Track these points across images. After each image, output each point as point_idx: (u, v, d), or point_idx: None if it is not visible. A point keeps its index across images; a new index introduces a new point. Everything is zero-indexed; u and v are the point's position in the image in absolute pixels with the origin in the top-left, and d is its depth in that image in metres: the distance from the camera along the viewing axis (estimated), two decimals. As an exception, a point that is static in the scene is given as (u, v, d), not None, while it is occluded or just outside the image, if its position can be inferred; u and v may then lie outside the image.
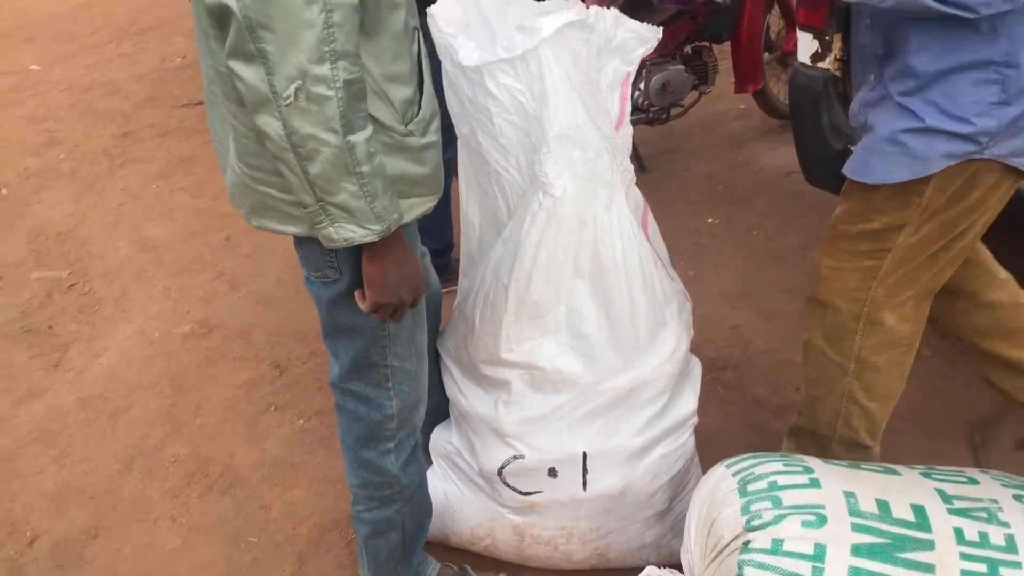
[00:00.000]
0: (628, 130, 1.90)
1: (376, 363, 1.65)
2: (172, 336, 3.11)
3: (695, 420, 2.01)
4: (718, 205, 3.53)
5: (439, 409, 2.11)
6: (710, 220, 3.43)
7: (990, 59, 1.58)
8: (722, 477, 1.69)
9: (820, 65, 2.49)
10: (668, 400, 1.94)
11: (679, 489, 2.00)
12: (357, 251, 1.46)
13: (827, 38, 2.46)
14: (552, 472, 1.88)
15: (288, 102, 1.23)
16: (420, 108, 1.47)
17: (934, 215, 1.74)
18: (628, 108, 1.88)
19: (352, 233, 1.36)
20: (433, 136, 1.50)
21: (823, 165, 2.56)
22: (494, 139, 1.78)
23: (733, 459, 1.74)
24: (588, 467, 1.88)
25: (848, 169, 1.79)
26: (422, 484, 1.88)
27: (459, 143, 1.90)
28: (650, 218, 1.98)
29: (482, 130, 1.78)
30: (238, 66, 1.24)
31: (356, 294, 1.51)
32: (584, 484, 1.89)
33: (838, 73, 2.53)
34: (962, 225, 1.77)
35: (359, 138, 1.30)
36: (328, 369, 1.77)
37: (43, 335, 3.18)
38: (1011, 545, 1.49)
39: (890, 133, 1.69)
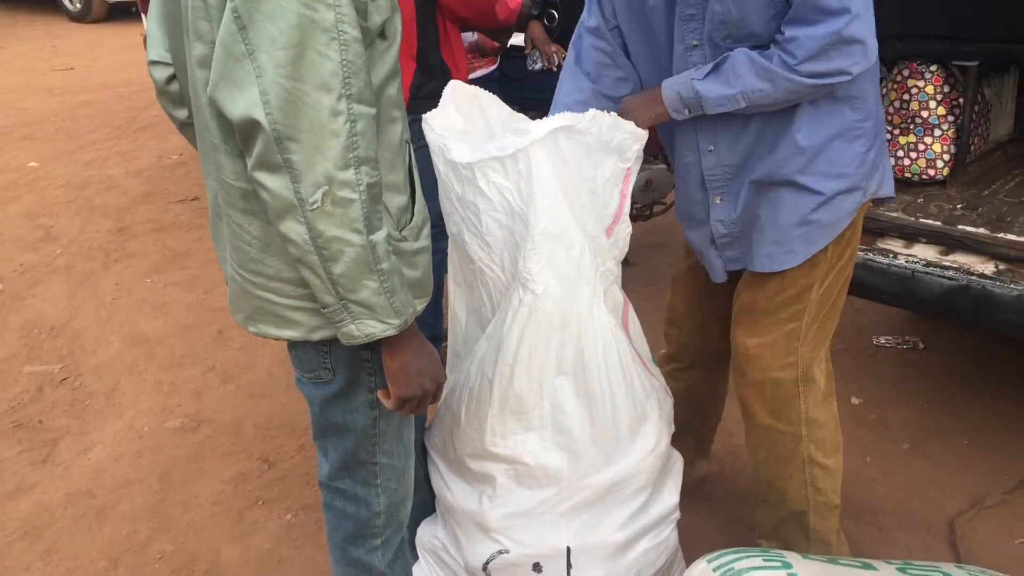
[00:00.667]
0: (627, 228, 1.95)
1: (365, 461, 1.68)
2: (162, 430, 3.14)
3: (678, 515, 2.05)
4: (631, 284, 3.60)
5: (425, 504, 2.13)
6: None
7: (855, 119, 1.84)
8: (703, 572, 1.72)
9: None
10: (650, 495, 1.98)
11: (662, 584, 2.03)
12: (352, 352, 1.52)
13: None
14: (537, 567, 1.91)
15: (315, 207, 1.30)
16: (413, 215, 1.55)
17: (834, 265, 1.96)
18: (627, 205, 1.95)
19: (373, 328, 1.41)
20: (424, 241, 1.58)
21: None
22: (480, 237, 1.86)
23: (714, 554, 1.77)
24: (572, 562, 1.90)
25: (766, 266, 1.95)
26: (408, 581, 1.90)
27: (449, 241, 1.98)
28: (631, 315, 2.04)
29: (469, 228, 1.86)
30: (263, 176, 1.30)
31: (379, 393, 1.56)
32: (568, 579, 1.91)
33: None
34: (849, 266, 1.99)
35: (379, 237, 1.37)
36: (316, 463, 1.81)
37: (33, 429, 3.20)
38: (986, 639, 1.52)
39: (799, 218, 1.88)
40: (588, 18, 2.00)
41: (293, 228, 1.32)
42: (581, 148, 1.83)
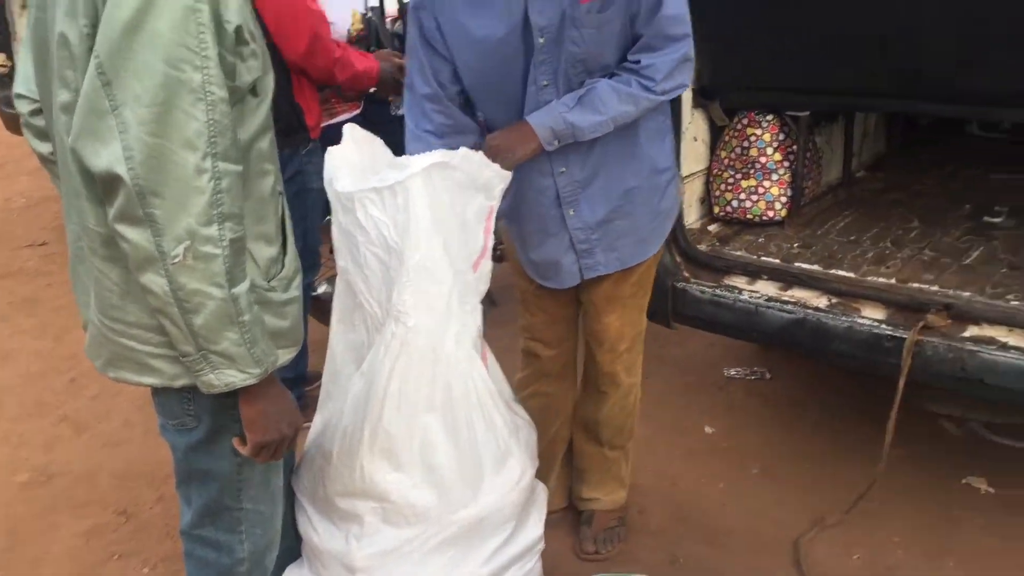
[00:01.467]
0: (489, 264, 2.02)
1: (230, 507, 1.67)
2: (9, 485, 2.99)
3: (542, 545, 2.11)
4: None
5: (292, 551, 2.12)
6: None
7: (663, 119, 2.18)
8: (566, 599, 1.78)
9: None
10: (515, 527, 2.03)
11: (529, 614, 2.08)
12: (216, 399, 1.51)
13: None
14: (404, 605, 1.93)
15: (176, 261, 1.31)
16: (283, 266, 1.57)
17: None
18: (491, 241, 2.01)
19: (233, 378, 1.42)
20: (295, 292, 1.60)
21: (654, 300, 2.78)
22: (360, 269, 1.90)
23: (576, 582, 1.84)
24: (439, 598, 1.93)
25: (630, 262, 2.24)
26: (275, 628, 1.88)
27: (338, 277, 2.00)
28: (488, 352, 2.10)
29: (353, 260, 1.91)
30: (124, 228, 1.31)
31: (235, 441, 1.56)
32: (436, 615, 1.93)
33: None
34: None
35: (241, 290, 1.38)
36: (177, 513, 1.78)
37: None
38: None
39: (651, 213, 2.21)
40: (421, 87, 2.08)
41: (154, 280, 1.33)
42: (453, 185, 1.89)
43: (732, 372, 3.56)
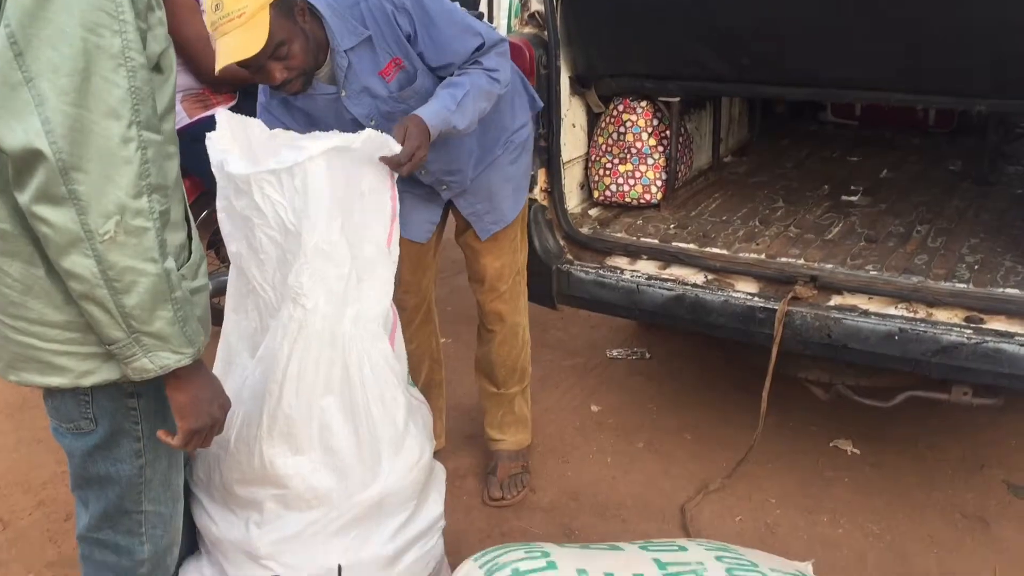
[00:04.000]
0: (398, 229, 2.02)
1: (130, 511, 1.62)
2: None
3: (443, 523, 2.14)
4: (448, 325, 3.75)
5: (189, 545, 2.08)
6: (444, 340, 3.63)
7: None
8: (470, 570, 1.82)
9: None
10: (416, 507, 2.06)
11: (431, 592, 2.11)
12: (115, 401, 1.48)
13: (532, 172, 2.80)
14: (308, 588, 1.93)
15: (105, 238, 1.25)
16: (191, 253, 1.53)
17: None
18: (398, 205, 2.01)
19: (168, 359, 1.38)
20: (202, 279, 1.56)
21: (538, 283, 2.86)
22: (255, 254, 1.88)
23: (479, 553, 1.88)
24: (343, 579, 1.94)
25: (510, 219, 2.54)
26: (176, 626, 1.85)
27: (231, 264, 1.98)
28: (398, 333, 2.11)
29: (248, 244, 1.88)
30: (45, 210, 1.24)
31: (161, 433, 1.51)
32: (341, 597, 1.94)
33: (545, 203, 2.87)
34: None
35: (171, 265, 1.35)
36: (57, 518, 1.71)
37: None
38: (716, 597, 1.74)
39: (503, 178, 2.50)
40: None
41: (79, 263, 1.27)
42: (350, 163, 1.88)
43: (614, 353, 3.68)
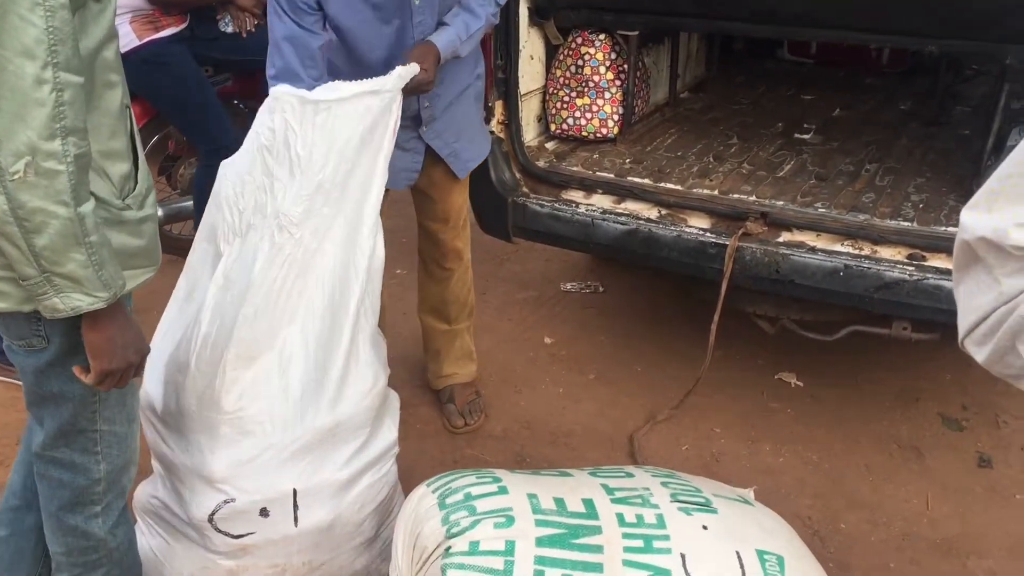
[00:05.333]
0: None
1: (84, 429, 1.64)
2: None
3: (396, 450, 2.18)
4: (403, 256, 3.75)
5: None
6: (398, 271, 3.65)
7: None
8: (424, 495, 1.86)
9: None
10: (370, 433, 2.09)
11: (385, 516, 2.16)
12: (66, 320, 1.47)
13: (490, 104, 2.79)
14: (264, 512, 1.95)
15: (16, 177, 1.25)
16: (137, 183, 1.52)
17: None
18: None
19: (80, 302, 1.38)
20: (150, 209, 1.55)
21: (494, 215, 2.87)
22: (239, 175, 1.93)
23: (432, 478, 1.92)
24: (299, 503, 1.97)
25: (477, 159, 2.58)
26: (131, 545, 1.87)
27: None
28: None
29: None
30: None
31: (76, 369, 1.51)
32: (295, 520, 1.98)
33: (502, 135, 2.87)
34: None
35: (87, 209, 1.33)
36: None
37: None
38: (660, 522, 1.79)
39: (474, 112, 2.55)
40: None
41: None
42: (374, 112, 1.95)
43: (568, 286, 3.72)
